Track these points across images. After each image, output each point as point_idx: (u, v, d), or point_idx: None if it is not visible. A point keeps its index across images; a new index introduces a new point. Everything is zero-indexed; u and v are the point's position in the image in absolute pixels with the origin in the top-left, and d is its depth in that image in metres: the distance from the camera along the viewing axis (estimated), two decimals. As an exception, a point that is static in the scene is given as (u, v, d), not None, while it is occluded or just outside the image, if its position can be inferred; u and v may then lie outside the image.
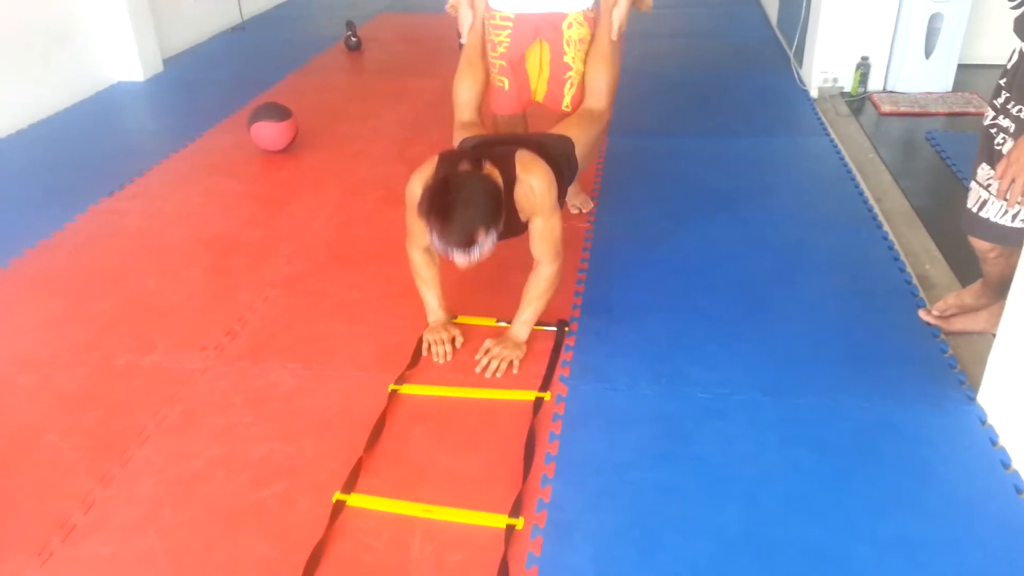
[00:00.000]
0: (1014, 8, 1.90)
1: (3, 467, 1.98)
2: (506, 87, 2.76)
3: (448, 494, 1.85)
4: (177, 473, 1.94)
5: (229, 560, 1.71)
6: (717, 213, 3.11)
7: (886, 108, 4.04)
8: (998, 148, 1.95)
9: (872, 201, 3.16)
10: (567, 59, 2.66)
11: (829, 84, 4.33)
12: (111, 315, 2.59)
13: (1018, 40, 1.92)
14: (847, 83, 4.30)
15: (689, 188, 3.33)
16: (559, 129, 2.51)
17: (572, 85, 2.71)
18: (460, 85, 2.75)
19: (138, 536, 1.78)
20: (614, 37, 2.67)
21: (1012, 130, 1.91)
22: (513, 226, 2.16)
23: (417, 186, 2.12)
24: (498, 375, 2.20)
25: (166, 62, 5.28)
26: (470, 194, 1.95)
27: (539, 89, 2.77)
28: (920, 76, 4.19)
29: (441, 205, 1.93)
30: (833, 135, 3.82)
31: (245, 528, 1.79)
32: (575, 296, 2.58)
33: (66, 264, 2.92)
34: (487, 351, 2.26)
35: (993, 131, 1.98)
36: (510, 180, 2.11)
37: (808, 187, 3.34)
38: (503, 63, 2.71)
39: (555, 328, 2.40)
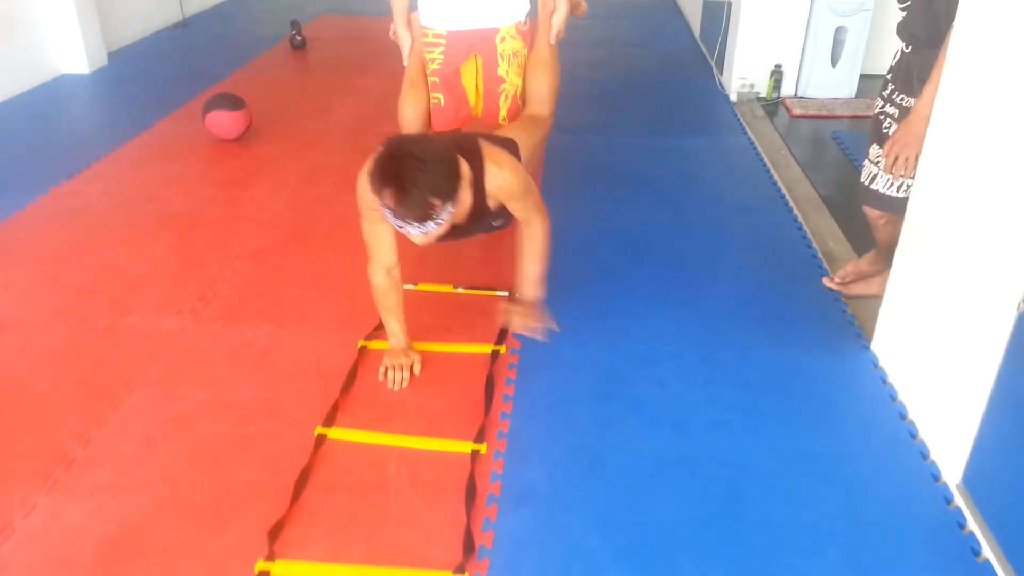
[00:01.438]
0: (902, 9, 2.26)
1: (-3, 413, 2.12)
2: (441, 103, 2.74)
3: (419, 427, 2.08)
4: (167, 415, 2.12)
5: (223, 484, 1.90)
6: (648, 199, 3.43)
7: (797, 111, 4.46)
8: (885, 131, 2.31)
9: (784, 190, 3.53)
10: (500, 71, 2.68)
11: (746, 89, 4.73)
12: (85, 283, 2.73)
13: (900, 41, 2.28)
14: (763, 89, 4.71)
15: (623, 178, 3.64)
16: (503, 131, 2.52)
17: (507, 98, 2.73)
18: (404, 106, 2.76)
19: (136, 467, 1.95)
20: (552, 41, 2.73)
21: (896, 115, 2.27)
22: (479, 218, 2.17)
23: (367, 168, 1.96)
24: (545, 340, 2.27)
25: (110, 56, 5.36)
26: (425, 156, 1.84)
27: (477, 104, 2.78)
28: (827, 83, 4.63)
29: (392, 168, 1.82)
30: (750, 134, 4.20)
31: (235, 458, 1.98)
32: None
33: (34, 239, 3.03)
34: (513, 316, 2.28)
35: (881, 117, 2.34)
36: (479, 171, 2.08)
37: (728, 178, 3.70)
38: (436, 79, 2.71)
39: (507, 294, 2.66)
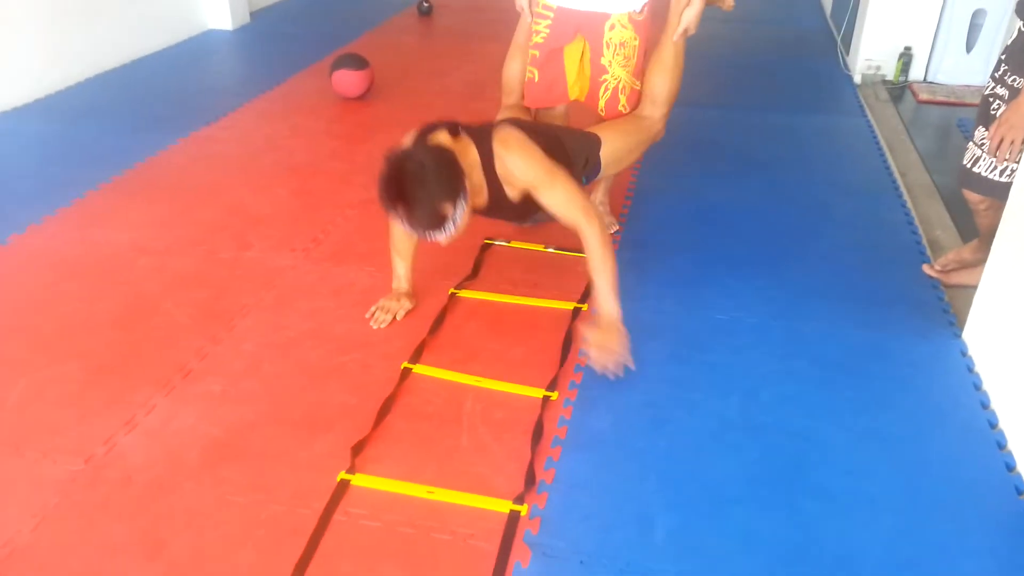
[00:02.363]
0: None
1: (130, 324, 2.40)
2: (536, 79, 2.62)
3: (495, 371, 2.21)
4: (274, 339, 2.34)
5: (317, 402, 2.10)
6: (752, 175, 3.41)
7: (923, 96, 4.28)
8: (993, 113, 2.24)
9: (897, 175, 3.44)
10: (603, 60, 2.52)
11: (872, 71, 4.57)
12: (213, 220, 3.00)
13: (1018, 19, 2.20)
14: (890, 72, 4.54)
15: (729, 153, 3.64)
16: (596, 127, 2.47)
17: (607, 89, 2.57)
18: (509, 67, 2.72)
19: (243, 380, 2.18)
20: (675, 38, 2.53)
21: (1006, 97, 2.20)
22: (502, 202, 2.14)
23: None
24: (620, 375, 2.13)
25: (252, 15, 5.70)
26: (418, 169, 1.88)
27: (581, 87, 2.62)
28: (960, 69, 4.41)
29: (396, 192, 1.89)
30: (870, 117, 4.08)
31: (330, 381, 2.17)
32: (614, 236, 2.91)
33: (172, 177, 3.34)
34: (591, 345, 2.14)
35: (991, 99, 2.27)
36: (487, 154, 2.06)
37: (840, 159, 3.62)
38: (536, 53, 2.58)
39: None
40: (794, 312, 2.48)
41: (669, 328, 2.41)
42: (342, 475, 1.85)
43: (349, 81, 4.16)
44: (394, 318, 2.37)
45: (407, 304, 2.40)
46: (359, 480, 1.85)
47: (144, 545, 1.69)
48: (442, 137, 2.07)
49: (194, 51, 5.02)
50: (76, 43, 4.35)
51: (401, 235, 2.31)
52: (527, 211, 2.26)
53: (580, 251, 2.67)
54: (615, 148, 2.43)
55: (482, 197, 2.11)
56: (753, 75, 4.72)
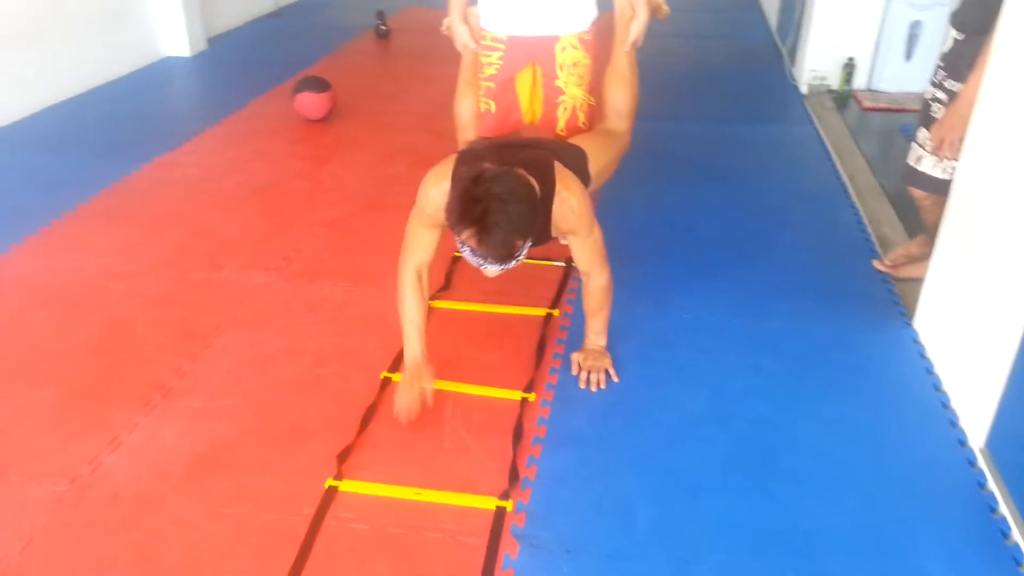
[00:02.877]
0: None
1: (105, 347, 2.41)
2: (492, 109, 2.60)
3: (473, 376, 2.27)
4: (252, 355, 2.37)
5: (299, 414, 2.14)
6: (709, 183, 3.54)
7: (867, 103, 4.48)
8: (934, 115, 2.39)
9: (845, 178, 3.59)
10: (559, 83, 2.53)
11: (818, 82, 4.76)
12: (182, 242, 3.02)
13: (953, 30, 2.35)
14: (834, 81, 4.73)
15: (686, 163, 3.76)
16: (577, 140, 2.44)
17: (565, 109, 2.58)
18: (461, 106, 2.65)
19: (224, 397, 2.20)
20: (627, 49, 2.56)
21: (945, 100, 2.35)
22: (543, 239, 2.10)
23: (434, 187, 2.01)
24: (603, 387, 2.21)
25: (210, 41, 5.72)
26: (508, 196, 1.78)
27: (535, 111, 2.63)
28: (901, 77, 4.61)
29: (476, 210, 1.76)
30: (818, 125, 4.25)
31: (310, 394, 2.21)
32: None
33: (137, 202, 3.35)
34: (580, 366, 2.25)
35: (931, 102, 2.42)
36: (548, 193, 2.00)
37: (790, 166, 3.77)
38: (491, 85, 2.57)
39: (563, 264, 2.82)
40: (756, 310, 2.59)
41: (638, 329, 2.49)
42: (330, 482, 1.89)
43: (312, 103, 4.21)
44: (425, 404, 2.11)
45: (429, 382, 2.12)
46: (347, 486, 1.89)
47: (136, 559, 1.71)
48: (519, 171, 1.93)
49: (152, 78, 5.03)
50: (33, 72, 4.33)
51: (413, 298, 2.13)
52: (540, 249, 2.22)
53: (546, 259, 2.78)
54: (599, 162, 2.40)
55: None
56: (705, 88, 4.88)
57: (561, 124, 2.64)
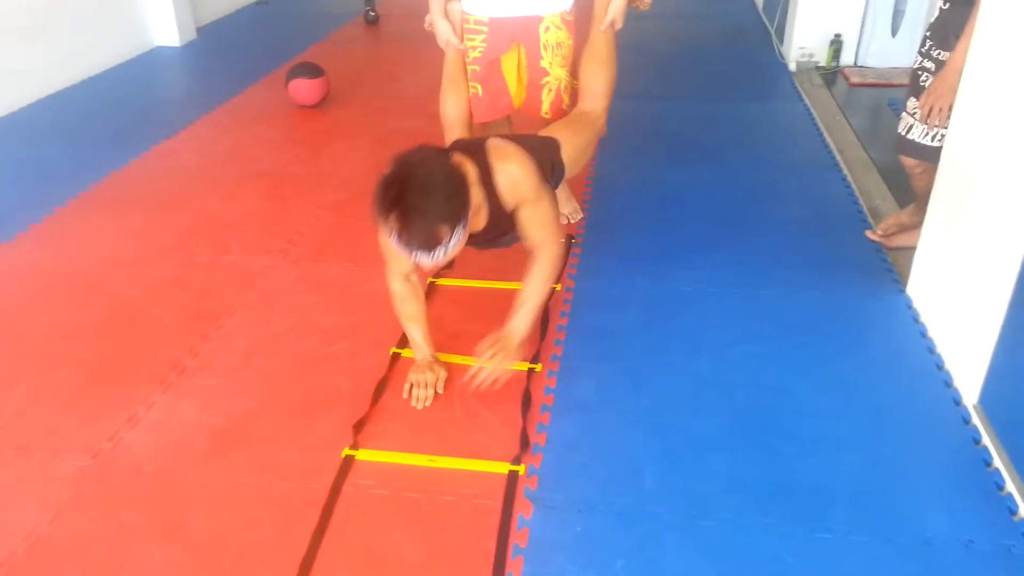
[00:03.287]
0: None
1: (117, 329, 2.45)
2: (480, 93, 2.62)
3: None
4: (263, 334, 2.42)
5: (313, 389, 2.19)
6: (703, 160, 3.60)
7: (855, 80, 4.54)
8: (923, 84, 2.45)
9: (836, 152, 3.66)
10: (543, 63, 2.53)
11: (806, 59, 4.82)
12: (186, 227, 3.05)
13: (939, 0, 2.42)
14: (822, 58, 4.79)
15: (679, 141, 3.82)
16: (547, 131, 2.41)
17: (550, 91, 2.59)
18: (446, 102, 2.61)
19: (238, 374, 2.25)
20: (602, 28, 2.55)
21: (933, 69, 2.41)
22: (500, 222, 2.04)
23: None
24: (497, 387, 2.07)
25: (199, 31, 5.72)
26: (427, 180, 1.73)
27: (518, 94, 2.64)
28: (887, 52, 4.68)
29: (395, 199, 1.71)
30: (807, 101, 4.31)
31: (322, 370, 2.26)
32: (580, 219, 3.06)
33: (138, 190, 3.38)
34: (484, 354, 2.04)
35: (919, 72, 2.48)
36: (486, 170, 1.96)
37: (781, 141, 3.83)
38: (476, 68, 2.58)
39: (563, 241, 2.87)
40: (753, 280, 2.65)
41: (639, 300, 2.55)
42: (346, 451, 1.95)
43: (305, 89, 4.24)
44: (437, 390, 2.14)
45: (441, 372, 2.17)
46: (363, 455, 1.95)
47: (162, 528, 1.77)
48: (454, 157, 1.91)
49: (145, 67, 5.04)
50: (25, 63, 4.33)
51: (406, 299, 2.17)
52: (511, 229, 2.12)
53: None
54: (573, 148, 2.37)
55: (482, 215, 1.97)
56: (694, 68, 4.93)
57: (546, 107, 2.64)
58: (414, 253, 1.77)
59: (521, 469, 1.89)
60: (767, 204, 3.19)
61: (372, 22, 6.04)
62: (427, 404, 2.11)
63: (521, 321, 2.07)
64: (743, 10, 6.27)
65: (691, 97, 4.41)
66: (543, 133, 2.39)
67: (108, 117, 4.19)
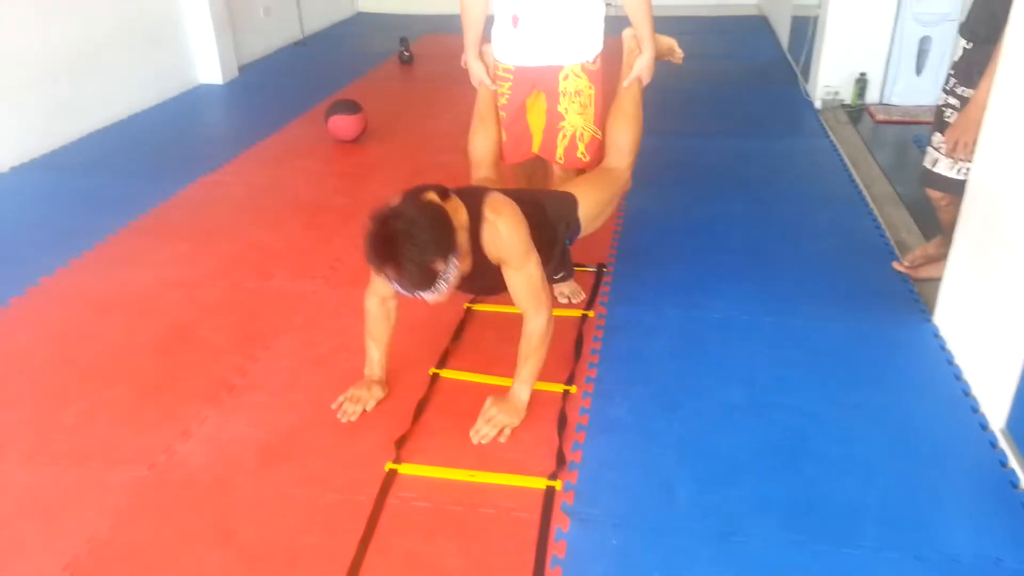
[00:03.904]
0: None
1: (170, 349, 2.57)
2: (504, 138, 2.70)
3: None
4: (308, 355, 2.52)
5: (356, 407, 2.28)
6: (732, 193, 3.68)
7: (880, 117, 4.63)
8: (947, 120, 2.53)
9: (863, 187, 3.73)
10: (560, 108, 2.56)
11: (831, 97, 4.92)
12: (232, 255, 3.18)
13: (961, 39, 2.50)
14: (847, 96, 4.89)
15: (707, 175, 3.91)
16: (566, 186, 2.45)
17: (564, 136, 2.61)
18: (474, 140, 2.67)
19: (285, 393, 2.35)
20: (625, 84, 2.59)
21: (958, 106, 2.49)
22: (485, 272, 2.09)
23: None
24: (484, 441, 2.10)
25: (240, 69, 5.95)
26: (410, 227, 1.81)
27: (537, 140, 2.67)
28: (912, 90, 4.77)
29: (385, 249, 1.82)
30: (833, 138, 4.39)
31: (365, 389, 2.35)
32: (611, 247, 3.15)
33: (186, 219, 3.53)
34: (485, 415, 2.16)
35: (944, 108, 2.57)
36: (476, 218, 2.01)
37: (808, 177, 3.92)
38: (504, 114, 2.66)
39: (595, 269, 2.97)
40: (782, 309, 2.72)
41: (670, 328, 2.63)
42: (389, 465, 2.03)
43: (344, 125, 4.40)
44: (364, 409, 2.24)
45: (378, 393, 2.27)
46: (405, 469, 2.03)
47: (215, 534, 1.85)
48: (431, 196, 2.00)
49: (189, 104, 5.25)
50: (74, 100, 4.54)
51: (376, 320, 2.26)
52: (500, 283, 2.15)
53: (580, 265, 2.92)
54: (592, 204, 2.39)
55: (467, 262, 2.02)
56: (722, 106, 5.05)
57: (559, 152, 2.65)
58: (417, 294, 1.88)
59: (558, 485, 1.96)
60: (795, 237, 3.26)
61: (407, 62, 6.24)
62: (352, 419, 2.20)
63: (523, 390, 2.18)
64: (769, 50, 6.41)
65: (720, 133, 4.51)
66: (566, 188, 2.43)
67: (155, 151, 4.38)
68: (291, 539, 1.84)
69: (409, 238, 1.81)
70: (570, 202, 2.34)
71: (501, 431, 2.13)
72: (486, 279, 2.13)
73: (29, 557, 1.80)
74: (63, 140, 4.45)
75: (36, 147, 4.28)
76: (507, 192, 2.24)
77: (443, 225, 1.88)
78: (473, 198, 2.04)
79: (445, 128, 4.68)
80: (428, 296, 1.89)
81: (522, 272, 2.06)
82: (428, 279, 1.84)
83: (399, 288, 1.89)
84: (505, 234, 2.01)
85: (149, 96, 5.14)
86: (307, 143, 4.46)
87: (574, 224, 2.35)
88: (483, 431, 2.12)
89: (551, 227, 2.25)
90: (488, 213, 2.01)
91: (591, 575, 1.73)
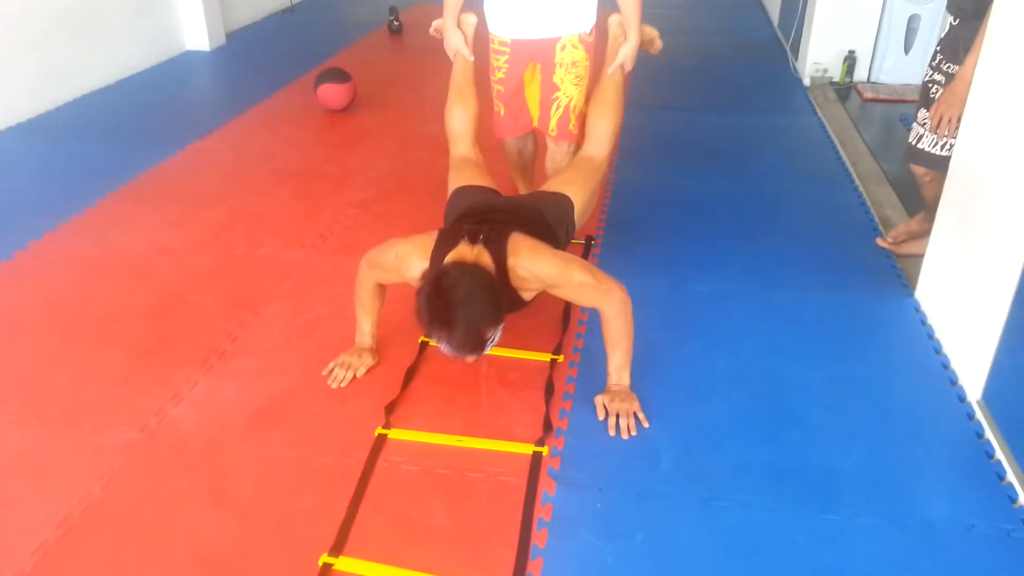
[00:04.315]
0: None
1: (161, 314, 2.58)
2: (502, 112, 2.69)
3: (505, 341, 2.37)
4: (298, 322, 2.54)
5: (346, 373, 2.31)
6: (719, 169, 3.71)
7: (868, 95, 4.65)
8: (933, 96, 2.56)
9: (848, 164, 3.76)
10: (555, 79, 2.56)
11: (820, 74, 4.94)
12: (222, 221, 3.18)
13: (948, 15, 2.52)
14: (836, 74, 4.91)
15: (695, 151, 3.94)
16: (557, 184, 2.45)
17: (559, 107, 2.60)
18: (451, 115, 2.63)
19: (275, 357, 2.37)
20: (610, 71, 2.60)
21: (943, 82, 2.52)
22: (517, 307, 2.14)
23: (416, 261, 2.07)
24: (633, 433, 2.05)
25: (228, 36, 5.89)
26: (467, 298, 1.86)
27: (535, 113, 2.68)
28: (900, 69, 4.80)
29: (442, 316, 1.87)
30: (821, 115, 4.42)
31: (355, 355, 2.38)
32: (599, 220, 3.17)
33: (176, 185, 3.52)
34: (607, 410, 2.10)
35: (930, 84, 2.60)
36: (502, 265, 2.02)
37: (795, 153, 3.95)
38: (501, 88, 2.64)
39: (583, 242, 2.99)
40: (767, 282, 2.76)
41: (658, 300, 2.66)
42: (379, 430, 2.06)
43: (334, 94, 4.38)
44: (354, 375, 2.26)
45: (368, 360, 2.29)
46: (395, 434, 2.06)
47: (209, 495, 1.88)
48: (466, 251, 2.00)
49: (176, 71, 5.20)
50: (63, 64, 4.50)
51: (368, 292, 2.28)
52: (525, 306, 2.20)
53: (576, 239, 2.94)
54: (583, 201, 2.43)
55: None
56: (712, 81, 5.06)
57: (552, 124, 2.65)
58: (463, 355, 1.97)
59: (544, 450, 2.00)
60: (782, 212, 3.30)
61: (396, 31, 6.20)
62: (343, 385, 2.23)
63: (622, 376, 2.15)
64: (759, 26, 6.41)
65: (709, 109, 4.53)
66: (553, 187, 2.43)
67: (143, 116, 4.35)
68: (283, 500, 1.87)
69: (465, 308, 1.87)
70: (567, 205, 2.37)
71: (635, 416, 2.09)
72: (520, 310, 2.18)
73: (22, 515, 1.83)
74: (50, 104, 4.40)
75: (23, 111, 4.24)
76: (509, 202, 2.33)
77: (496, 296, 1.95)
78: (496, 244, 2.03)
79: (434, 98, 4.61)
80: (472, 357, 2.00)
81: (572, 283, 2.06)
82: (477, 345, 1.93)
83: (444, 348, 1.95)
84: (536, 269, 2.03)
85: (135, 62, 5.09)
86: (296, 111, 4.44)
87: (571, 226, 2.41)
88: (623, 423, 2.06)
89: (554, 236, 2.27)
90: (512, 259, 2.02)
91: (576, 537, 1.77)
